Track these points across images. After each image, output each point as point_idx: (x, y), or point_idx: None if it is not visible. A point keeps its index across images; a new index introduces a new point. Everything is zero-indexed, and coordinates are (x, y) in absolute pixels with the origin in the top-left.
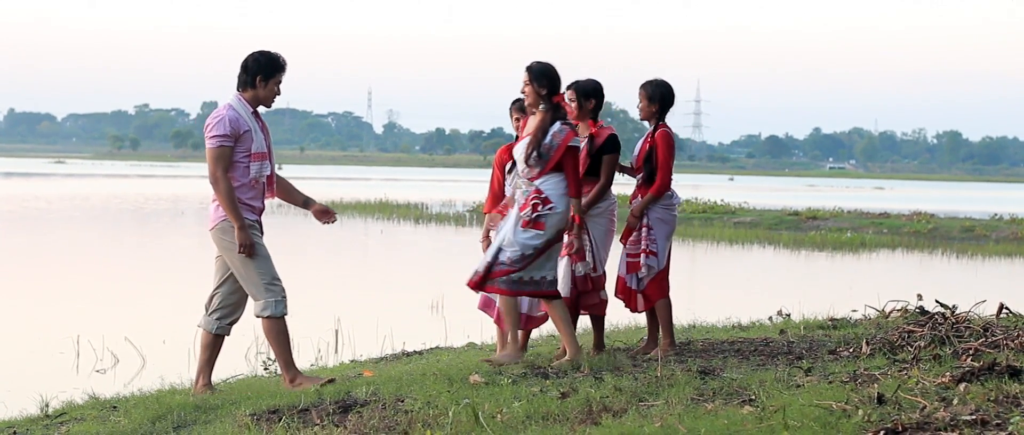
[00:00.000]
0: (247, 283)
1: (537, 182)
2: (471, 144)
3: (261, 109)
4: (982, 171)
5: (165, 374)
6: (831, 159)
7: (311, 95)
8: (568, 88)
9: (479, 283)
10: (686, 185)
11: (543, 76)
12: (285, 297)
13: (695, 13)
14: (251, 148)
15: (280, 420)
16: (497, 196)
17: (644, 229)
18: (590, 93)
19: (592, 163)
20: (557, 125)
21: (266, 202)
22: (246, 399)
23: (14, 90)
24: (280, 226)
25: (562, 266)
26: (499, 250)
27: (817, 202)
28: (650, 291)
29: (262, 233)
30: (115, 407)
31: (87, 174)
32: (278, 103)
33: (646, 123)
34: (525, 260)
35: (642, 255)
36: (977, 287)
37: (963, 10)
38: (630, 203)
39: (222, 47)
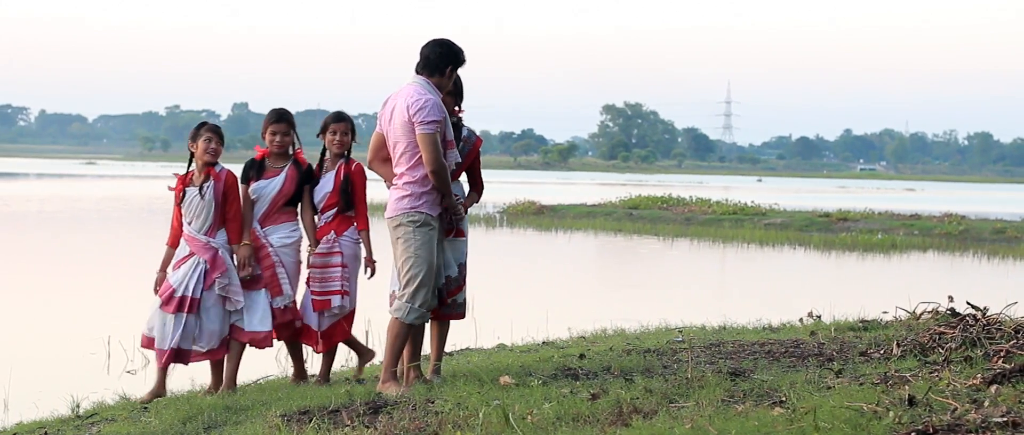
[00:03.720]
0: (398, 277)
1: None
2: (501, 145)
3: None
4: (1013, 173)
5: (195, 375)
6: (862, 160)
7: (342, 96)
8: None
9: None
10: (716, 187)
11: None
12: (421, 308)
13: (726, 13)
14: (447, 135)
15: (310, 421)
16: (177, 230)
17: (340, 267)
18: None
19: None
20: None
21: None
22: (276, 400)
23: (45, 91)
24: None
25: (260, 300)
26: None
27: (848, 204)
28: (335, 330)
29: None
30: (146, 408)
31: (118, 175)
32: (308, 103)
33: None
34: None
35: (336, 296)
36: (1008, 289)
37: (995, 10)
38: (319, 239)
39: (253, 49)
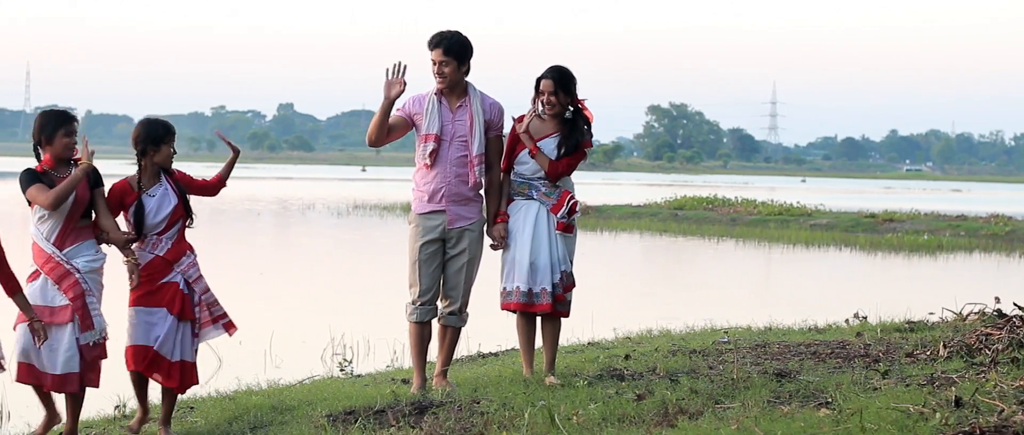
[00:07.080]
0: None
1: (563, 183)
2: None
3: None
4: None
5: (242, 375)
6: (908, 161)
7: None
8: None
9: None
10: (761, 187)
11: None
12: (423, 306)
13: (771, 13)
14: (422, 129)
15: (356, 421)
16: None
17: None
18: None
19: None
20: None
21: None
22: (322, 400)
23: (92, 92)
24: (370, 226)
25: (65, 337)
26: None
27: (893, 204)
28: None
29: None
30: (192, 408)
31: None
32: (354, 104)
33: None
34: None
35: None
36: None
37: None
38: (172, 260)
39: (299, 49)
